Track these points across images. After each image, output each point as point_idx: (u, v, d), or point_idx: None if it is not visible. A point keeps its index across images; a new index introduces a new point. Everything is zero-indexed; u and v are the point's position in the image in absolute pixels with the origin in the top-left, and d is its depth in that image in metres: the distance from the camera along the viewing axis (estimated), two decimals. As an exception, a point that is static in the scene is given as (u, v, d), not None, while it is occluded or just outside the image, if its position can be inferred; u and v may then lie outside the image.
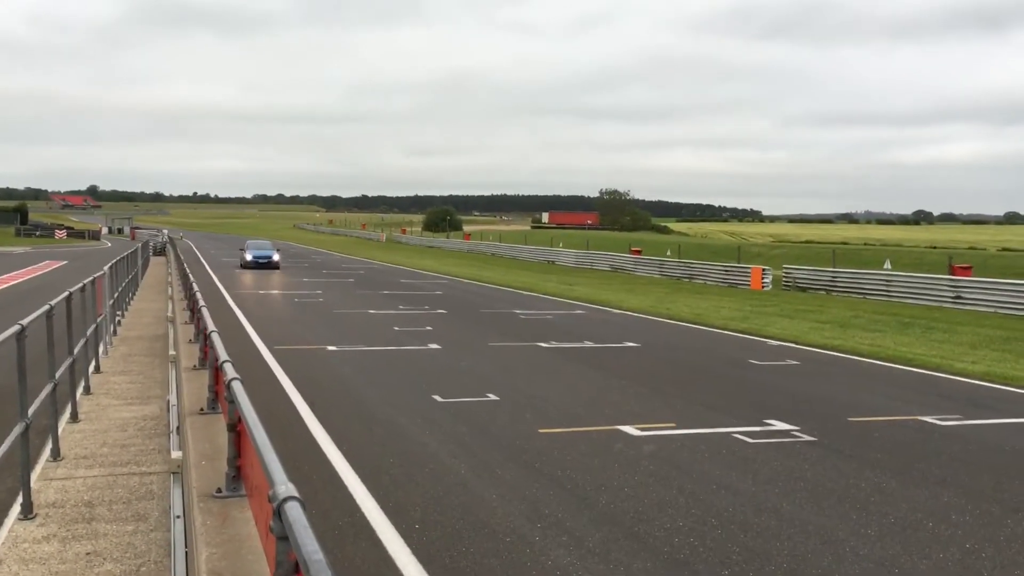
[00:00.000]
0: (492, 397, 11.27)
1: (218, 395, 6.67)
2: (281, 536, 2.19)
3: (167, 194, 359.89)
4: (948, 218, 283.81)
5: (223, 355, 5.09)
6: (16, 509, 6.38)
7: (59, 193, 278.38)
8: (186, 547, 4.83)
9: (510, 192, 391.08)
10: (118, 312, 18.03)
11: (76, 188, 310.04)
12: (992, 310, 25.31)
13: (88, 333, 11.35)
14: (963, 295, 26.92)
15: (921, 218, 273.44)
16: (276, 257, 43.67)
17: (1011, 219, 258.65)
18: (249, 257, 43.40)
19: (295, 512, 2.14)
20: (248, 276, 37.79)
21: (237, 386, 4.03)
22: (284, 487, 2.29)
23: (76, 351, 9.57)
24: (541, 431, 9.39)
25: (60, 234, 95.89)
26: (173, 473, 6.56)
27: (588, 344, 17.06)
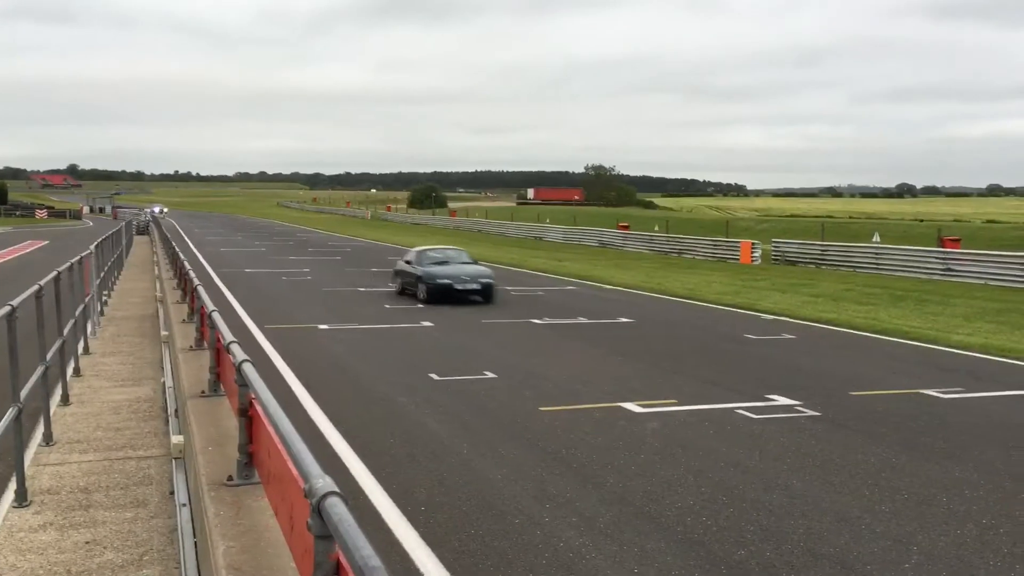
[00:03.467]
0: (489, 375, 11.12)
1: (220, 377, 6.48)
2: (322, 535, 2.03)
3: (148, 173, 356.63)
4: (931, 191, 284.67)
5: (228, 336, 4.89)
6: (10, 496, 6.19)
7: (39, 172, 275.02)
8: (195, 537, 4.66)
9: (494, 169, 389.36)
10: (104, 292, 17.76)
11: (56, 167, 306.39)
12: (982, 282, 25.33)
13: (76, 314, 11.12)
14: (953, 267, 26.94)
15: (904, 191, 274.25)
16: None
17: (993, 191, 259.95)
18: (433, 280, 19.67)
19: (339, 509, 1.97)
20: (234, 255, 37.43)
21: (249, 368, 3.84)
22: (322, 481, 2.13)
23: (66, 332, 9.35)
24: (542, 409, 9.25)
25: (41, 214, 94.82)
26: (175, 459, 6.37)
27: (582, 320, 16.93)
